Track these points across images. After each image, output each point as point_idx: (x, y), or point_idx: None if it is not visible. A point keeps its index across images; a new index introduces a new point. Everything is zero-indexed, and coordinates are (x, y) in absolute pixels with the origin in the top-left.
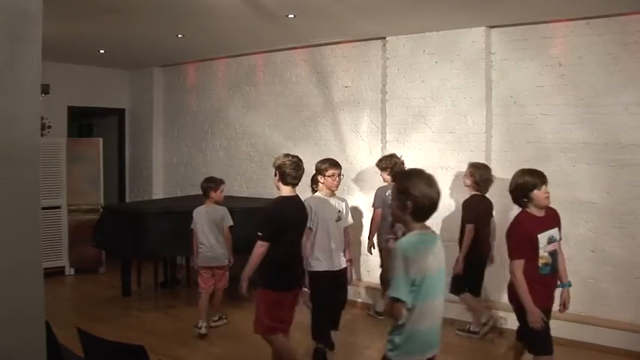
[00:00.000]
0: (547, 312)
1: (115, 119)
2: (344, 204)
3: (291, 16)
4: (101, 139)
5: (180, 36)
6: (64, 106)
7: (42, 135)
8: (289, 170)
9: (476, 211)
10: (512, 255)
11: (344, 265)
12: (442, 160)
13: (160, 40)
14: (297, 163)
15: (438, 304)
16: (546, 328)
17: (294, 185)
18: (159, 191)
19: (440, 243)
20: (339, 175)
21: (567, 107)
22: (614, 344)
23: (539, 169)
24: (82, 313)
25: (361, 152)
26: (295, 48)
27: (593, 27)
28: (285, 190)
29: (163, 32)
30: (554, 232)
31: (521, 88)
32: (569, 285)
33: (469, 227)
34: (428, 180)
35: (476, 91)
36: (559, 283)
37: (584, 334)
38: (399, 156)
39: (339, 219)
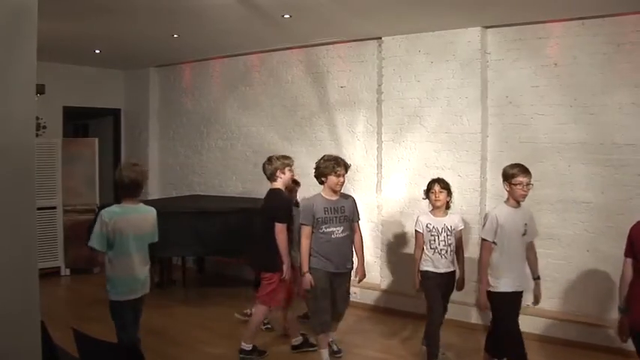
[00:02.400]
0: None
1: (110, 119)
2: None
3: (286, 16)
4: (97, 140)
5: (175, 36)
6: (59, 106)
7: (37, 135)
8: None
9: None
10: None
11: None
12: (438, 160)
13: (156, 40)
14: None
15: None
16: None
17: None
18: (154, 191)
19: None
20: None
21: (562, 107)
22: (606, 343)
23: (534, 169)
24: (77, 313)
25: (357, 152)
26: (291, 48)
27: (588, 27)
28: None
29: (159, 32)
30: None
31: (517, 88)
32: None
33: None
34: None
35: (471, 91)
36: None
37: (583, 334)
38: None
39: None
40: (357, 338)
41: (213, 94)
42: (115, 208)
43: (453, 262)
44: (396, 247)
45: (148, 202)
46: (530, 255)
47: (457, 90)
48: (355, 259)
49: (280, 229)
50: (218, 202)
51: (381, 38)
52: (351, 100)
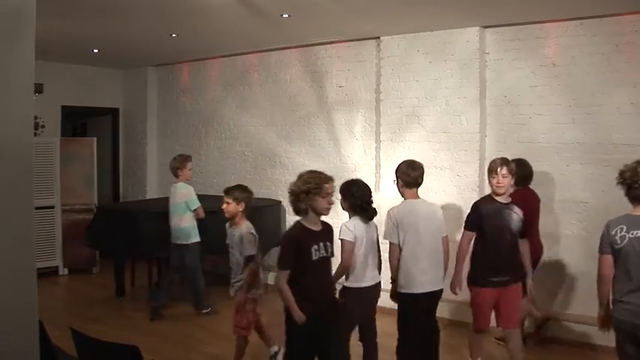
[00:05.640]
0: None
1: (108, 119)
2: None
3: (285, 15)
4: (95, 139)
5: (174, 35)
6: (57, 105)
7: (35, 135)
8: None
9: None
10: None
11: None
12: (436, 160)
13: (154, 39)
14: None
15: None
16: None
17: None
18: (153, 191)
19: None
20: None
21: (561, 107)
22: (606, 343)
23: (532, 168)
24: (75, 313)
25: (355, 152)
26: (289, 48)
27: (586, 27)
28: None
29: (157, 32)
30: None
31: (515, 88)
32: None
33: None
34: None
35: (470, 91)
36: None
37: (582, 334)
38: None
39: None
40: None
41: (212, 94)
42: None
43: None
44: None
45: (146, 202)
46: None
47: (456, 90)
48: None
49: None
50: (217, 201)
51: (379, 38)
52: (350, 99)
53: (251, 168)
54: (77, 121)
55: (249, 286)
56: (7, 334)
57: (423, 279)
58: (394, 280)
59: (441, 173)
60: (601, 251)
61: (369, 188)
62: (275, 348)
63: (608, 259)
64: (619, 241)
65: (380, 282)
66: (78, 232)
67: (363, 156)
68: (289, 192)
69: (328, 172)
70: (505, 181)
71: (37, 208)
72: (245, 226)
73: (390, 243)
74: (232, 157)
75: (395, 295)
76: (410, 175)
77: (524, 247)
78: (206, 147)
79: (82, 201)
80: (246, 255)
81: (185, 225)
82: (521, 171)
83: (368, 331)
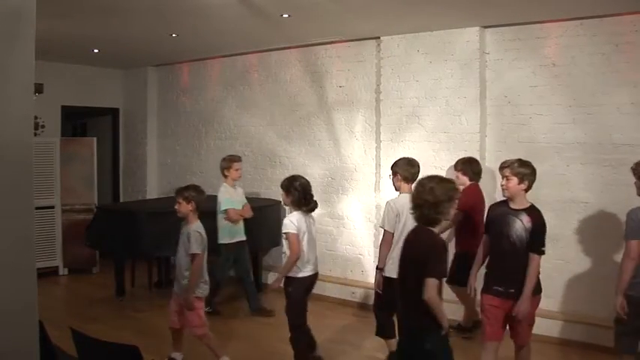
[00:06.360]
0: None
1: (108, 119)
2: None
3: (285, 15)
4: (95, 139)
5: (174, 35)
6: (57, 105)
7: (35, 134)
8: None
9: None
10: None
11: None
12: (436, 160)
13: (154, 39)
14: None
15: None
16: None
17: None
18: (153, 191)
19: None
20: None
21: (561, 107)
22: (605, 343)
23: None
24: (75, 313)
25: (355, 152)
26: (289, 48)
27: (586, 27)
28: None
29: (157, 32)
30: None
31: (515, 88)
32: None
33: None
34: None
35: (470, 91)
36: None
37: (582, 334)
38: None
39: None
40: (351, 337)
41: (212, 94)
42: None
43: None
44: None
45: (146, 202)
46: None
47: (456, 90)
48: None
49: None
50: (216, 201)
51: (379, 38)
52: (350, 99)
53: (251, 168)
54: (77, 121)
55: (193, 285)
56: (7, 334)
57: None
58: (382, 268)
59: (441, 173)
60: (631, 237)
61: (310, 183)
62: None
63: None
64: None
65: (318, 272)
66: (78, 232)
67: (363, 156)
68: (424, 202)
69: (328, 172)
70: (509, 183)
71: (37, 208)
72: (195, 225)
73: (386, 231)
74: None
75: (380, 282)
76: (409, 171)
77: (531, 261)
78: (206, 147)
79: (82, 201)
80: (190, 252)
81: (218, 225)
82: (476, 167)
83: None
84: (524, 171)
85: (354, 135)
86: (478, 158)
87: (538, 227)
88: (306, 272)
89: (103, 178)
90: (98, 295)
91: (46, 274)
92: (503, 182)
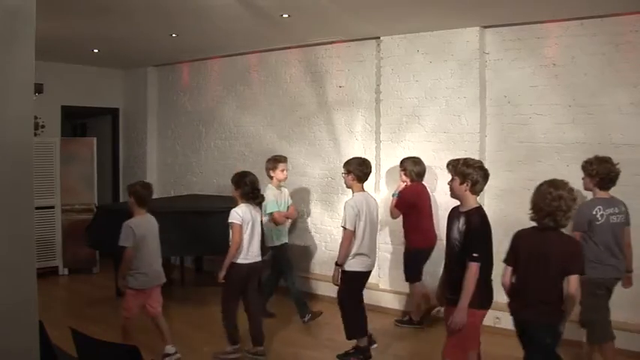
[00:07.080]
0: None
1: (108, 119)
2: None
3: (285, 15)
4: (95, 139)
5: (174, 35)
6: (57, 105)
7: (35, 135)
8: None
9: None
10: None
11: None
12: (436, 160)
13: (154, 39)
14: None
15: None
16: None
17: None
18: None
19: None
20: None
21: (561, 107)
22: None
23: (532, 168)
24: (75, 313)
25: (355, 152)
26: (289, 48)
27: (586, 27)
28: None
29: (157, 32)
30: None
31: (515, 88)
32: None
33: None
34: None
35: (470, 91)
36: None
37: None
38: None
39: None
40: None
41: (212, 94)
42: None
43: None
44: (395, 247)
45: None
46: None
47: (456, 90)
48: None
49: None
50: (216, 201)
51: (379, 38)
52: (350, 99)
53: (251, 168)
54: (77, 121)
55: (122, 275)
56: (7, 334)
57: (369, 262)
58: (340, 264)
59: (441, 173)
60: (575, 229)
61: (258, 179)
62: (171, 348)
63: None
64: None
65: (261, 260)
66: (78, 232)
67: (363, 156)
68: (555, 209)
69: (328, 172)
70: (451, 183)
71: (37, 208)
72: (132, 219)
73: (347, 230)
74: (232, 157)
75: (336, 278)
76: (362, 171)
77: (467, 268)
78: (206, 147)
79: (82, 201)
80: (119, 244)
81: (265, 228)
82: (419, 168)
83: (250, 303)
84: (467, 171)
85: (354, 135)
86: (478, 158)
87: (471, 231)
88: (245, 260)
89: (103, 178)
90: (98, 295)
91: (46, 274)
92: (448, 181)
